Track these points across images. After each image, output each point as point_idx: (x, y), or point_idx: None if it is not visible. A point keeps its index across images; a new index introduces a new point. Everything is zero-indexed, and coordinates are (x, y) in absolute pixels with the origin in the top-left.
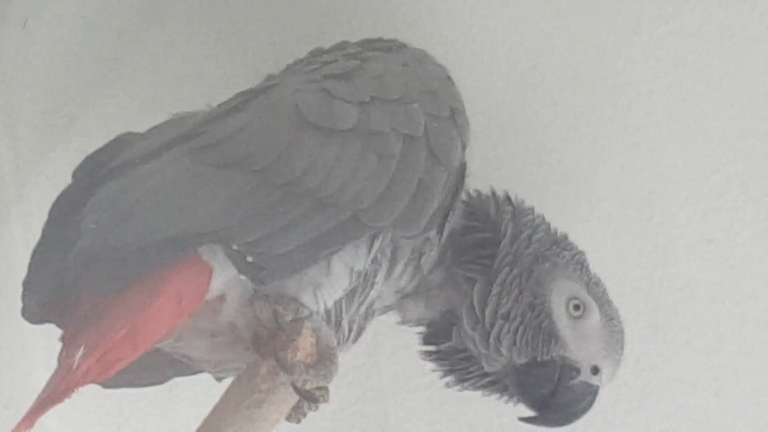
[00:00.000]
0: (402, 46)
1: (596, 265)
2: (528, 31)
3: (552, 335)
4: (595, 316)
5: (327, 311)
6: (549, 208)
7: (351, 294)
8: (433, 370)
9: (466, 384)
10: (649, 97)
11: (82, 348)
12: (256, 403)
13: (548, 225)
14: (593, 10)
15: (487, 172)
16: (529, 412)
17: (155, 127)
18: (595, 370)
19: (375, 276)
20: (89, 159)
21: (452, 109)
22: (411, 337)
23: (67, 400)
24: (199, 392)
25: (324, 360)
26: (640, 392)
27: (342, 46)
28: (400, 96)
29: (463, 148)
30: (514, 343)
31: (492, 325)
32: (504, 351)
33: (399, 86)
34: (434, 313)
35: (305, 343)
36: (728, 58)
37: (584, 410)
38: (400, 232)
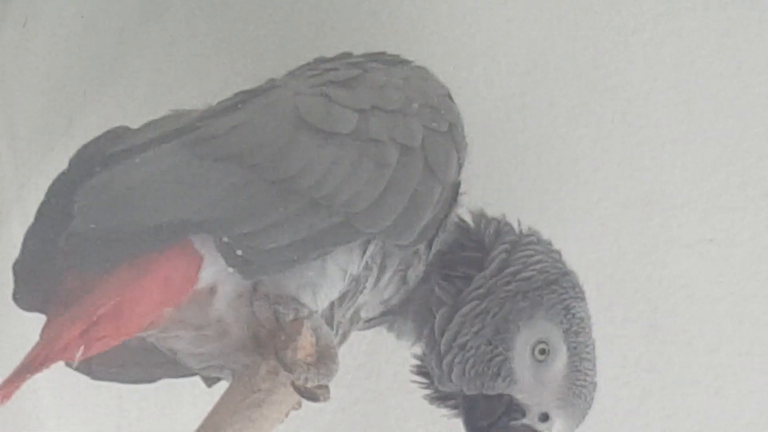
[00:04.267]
0: (405, 62)
1: (596, 265)
2: (528, 31)
3: (500, 373)
4: (560, 363)
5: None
6: (549, 208)
7: (342, 298)
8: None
9: (436, 403)
10: (649, 97)
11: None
12: (256, 403)
13: (550, 262)
14: (593, 10)
15: (486, 172)
16: None
17: (153, 121)
18: (545, 418)
19: (366, 281)
20: (85, 148)
21: (450, 125)
22: None
23: (45, 372)
24: (199, 392)
25: (324, 359)
26: (640, 392)
27: (345, 56)
28: (400, 107)
29: (460, 165)
30: (463, 374)
31: (447, 353)
32: (454, 379)
33: (399, 98)
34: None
35: (305, 342)
36: (728, 58)
37: None
38: (392, 240)
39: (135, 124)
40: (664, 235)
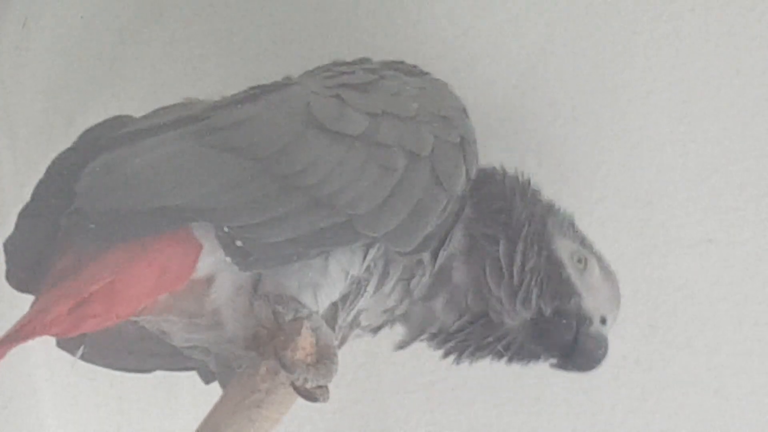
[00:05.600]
0: (423, 73)
1: None
2: (528, 31)
3: (571, 285)
4: (595, 268)
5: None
6: None
7: (342, 300)
8: (445, 356)
9: (481, 353)
10: (649, 97)
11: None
12: (256, 403)
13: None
14: (593, 10)
15: None
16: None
17: (163, 108)
18: (603, 321)
19: (367, 285)
20: (88, 132)
21: (462, 138)
22: None
23: (31, 342)
24: (199, 392)
25: (324, 359)
26: (640, 392)
27: (363, 61)
28: (412, 115)
29: (468, 179)
30: (541, 294)
31: (521, 281)
32: (533, 303)
33: (412, 106)
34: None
35: (305, 342)
36: (728, 58)
37: (604, 356)
38: (392, 246)
39: None
40: (664, 235)
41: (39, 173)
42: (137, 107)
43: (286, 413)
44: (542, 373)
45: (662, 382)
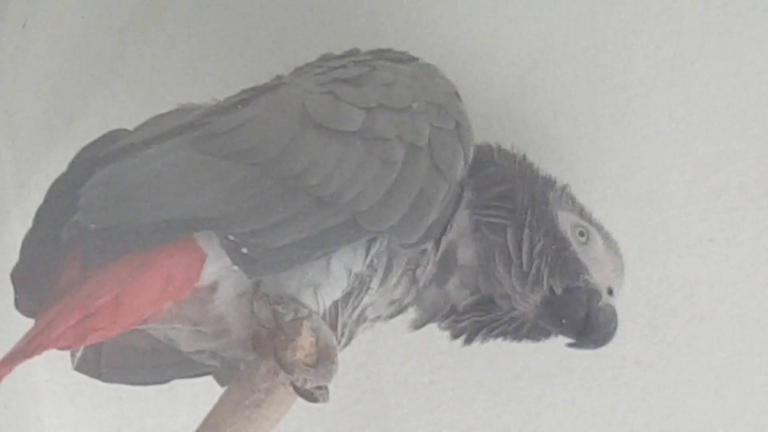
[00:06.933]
0: (412, 59)
1: None
2: (528, 31)
3: (578, 262)
4: (597, 240)
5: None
6: None
7: (346, 297)
8: (454, 337)
9: (493, 333)
10: (649, 97)
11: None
12: (255, 403)
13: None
14: (593, 10)
15: None
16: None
17: (159, 115)
18: (610, 291)
19: (370, 281)
20: (84, 151)
21: (457, 124)
22: (411, 337)
23: (37, 358)
24: (199, 392)
25: (324, 359)
26: (640, 392)
27: (353, 53)
28: (407, 105)
29: (466, 163)
30: (551, 275)
31: (531, 265)
32: (544, 284)
33: (406, 96)
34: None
35: (305, 342)
36: (728, 58)
37: (616, 328)
38: (397, 239)
39: (135, 125)
40: (664, 235)
41: (39, 173)
42: (137, 107)
43: (286, 413)
44: (542, 373)
45: (662, 382)
